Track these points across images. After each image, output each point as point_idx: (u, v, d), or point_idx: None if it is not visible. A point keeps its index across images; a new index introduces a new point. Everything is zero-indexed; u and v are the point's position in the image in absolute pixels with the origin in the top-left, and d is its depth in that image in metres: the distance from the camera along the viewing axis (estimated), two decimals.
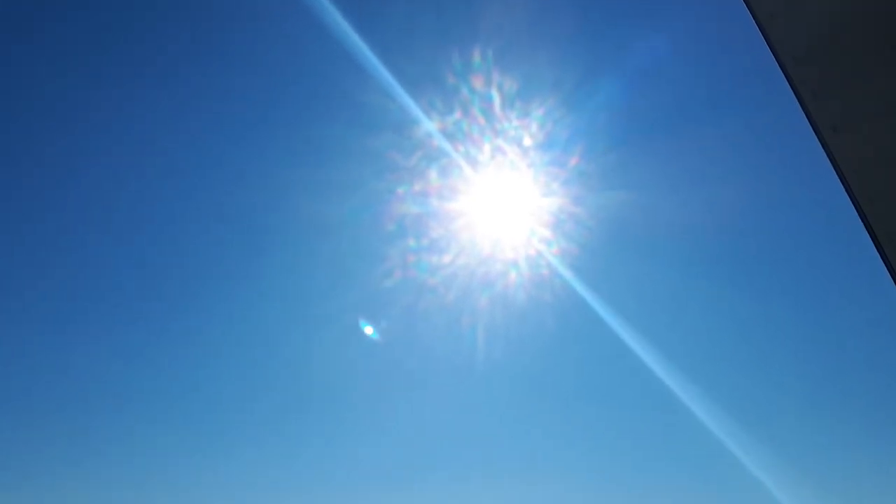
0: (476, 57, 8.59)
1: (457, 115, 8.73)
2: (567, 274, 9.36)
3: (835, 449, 9.44)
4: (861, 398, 9.69)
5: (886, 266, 1.68)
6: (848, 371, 9.89)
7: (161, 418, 10.75)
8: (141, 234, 11.15)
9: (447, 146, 8.89)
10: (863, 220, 1.74)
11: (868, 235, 1.74)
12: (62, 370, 10.77)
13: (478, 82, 8.61)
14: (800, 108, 1.83)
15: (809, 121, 1.80)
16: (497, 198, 9.36)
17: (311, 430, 11.11)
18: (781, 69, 1.90)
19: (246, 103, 10.25)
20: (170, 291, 11.41)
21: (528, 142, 8.90)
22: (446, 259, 9.28)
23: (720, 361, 10.39)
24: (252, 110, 10.33)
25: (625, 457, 10.28)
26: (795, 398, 9.99)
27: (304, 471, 10.65)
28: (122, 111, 10.21)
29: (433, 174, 9.04)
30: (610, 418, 10.56)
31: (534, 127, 8.81)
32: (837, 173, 1.77)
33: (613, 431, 10.49)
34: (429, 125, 8.84)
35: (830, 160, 1.78)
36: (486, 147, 8.85)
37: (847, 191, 1.76)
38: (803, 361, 10.18)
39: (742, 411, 9.59)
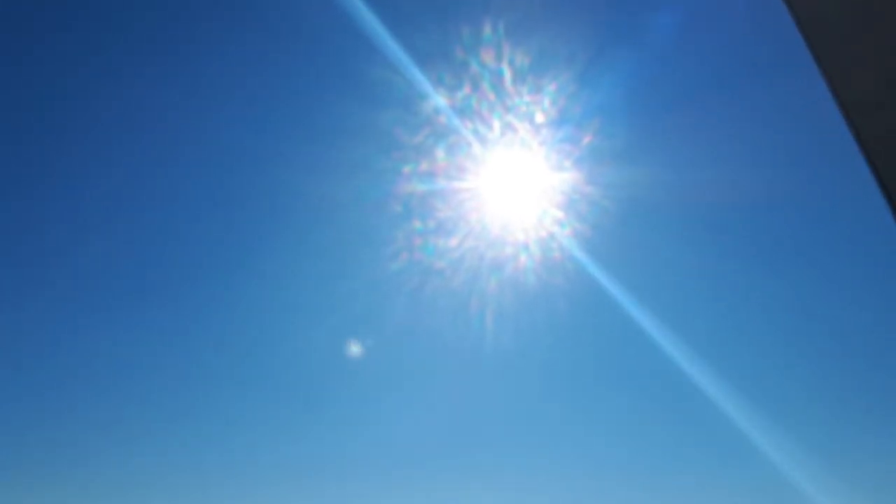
0: (487, 29, 8.33)
1: (466, 90, 8.51)
2: (581, 256, 9.18)
3: (876, 448, 9.06)
4: None
5: None
6: (880, 364, 9.53)
7: (169, 415, 10.74)
8: (135, 221, 11.00)
9: (456, 122, 8.68)
10: (891, 208, 1.59)
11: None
12: (56, 365, 10.77)
13: (488, 56, 8.36)
14: (825, 84, 1.68)
15: (835, 98, 1.64)
16: (507, 177, 9.16)
17: (316, 423, 11.04)
18: (806, 41, 1.74)
19: (239, 76, 10.02)
20: (171, 281, 11.27)
21: (540, 118, 8.65)
22: (454, 241, 9.14)
23: (747, 352, 10.08)
24: (247, 83, 10.11)
25: (645, 450, 10.09)
26: (829, 392, 9.69)
27: (310, 467, 10.62)
28: (119, 97, 10.09)
29: (441, 152, 8.86)
30: (629, 410, 10.35)
31: (546, 102, 8.56)
32: (865, 156, 1.62)
33: (633, 424, 10.29)
34: (437, 100, 8.63)
35: (857, 141, 1.63)
36: (497, 123, 8.63)
37: (875, 176, 1.60)
38: (831, 353, 9.85)
39: (773, 406, 9.27)
